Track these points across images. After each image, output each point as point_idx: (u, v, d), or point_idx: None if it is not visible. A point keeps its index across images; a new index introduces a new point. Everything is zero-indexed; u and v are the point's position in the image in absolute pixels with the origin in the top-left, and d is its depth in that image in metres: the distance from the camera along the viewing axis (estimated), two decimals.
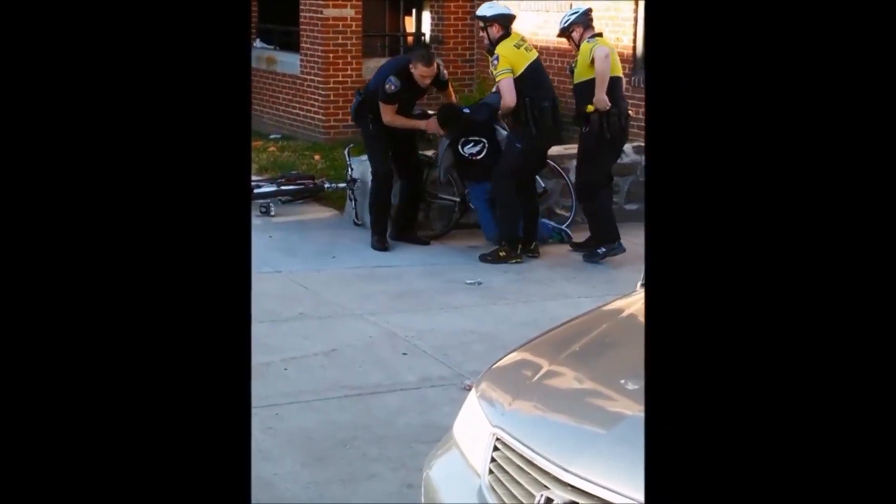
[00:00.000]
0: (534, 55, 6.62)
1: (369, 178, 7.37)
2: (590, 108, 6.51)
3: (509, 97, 6.38)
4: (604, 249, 6.66)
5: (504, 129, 6.75)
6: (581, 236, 7.03)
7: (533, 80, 6.47)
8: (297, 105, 11.18)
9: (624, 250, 6.58)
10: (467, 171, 6.90)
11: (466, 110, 6.98)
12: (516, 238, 6.64)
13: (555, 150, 7.02)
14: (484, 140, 6.75)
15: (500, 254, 6.61)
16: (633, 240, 7.09)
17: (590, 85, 6.47)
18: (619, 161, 7.86)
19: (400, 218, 7.06)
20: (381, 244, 6.88)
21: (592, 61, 6.43)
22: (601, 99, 6.41)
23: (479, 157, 6.77)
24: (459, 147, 6.79)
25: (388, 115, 6.80)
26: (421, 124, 6.89)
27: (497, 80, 6.46)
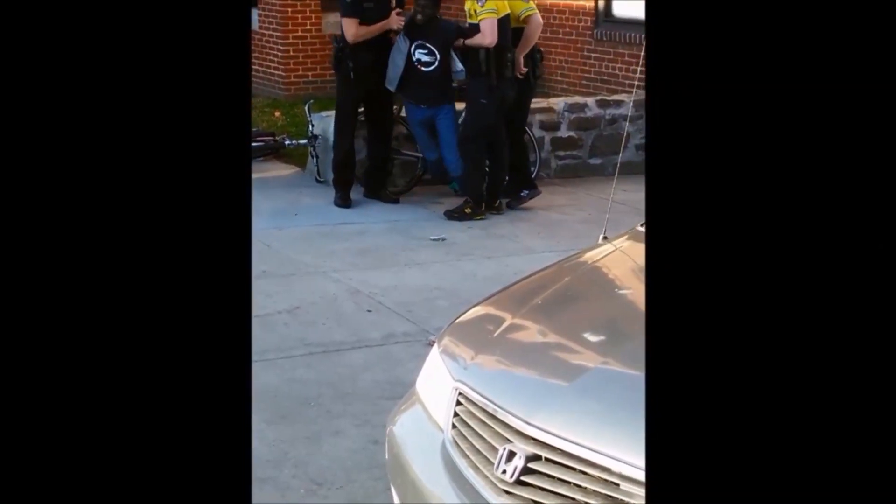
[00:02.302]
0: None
1: (331, 134, 7.29)
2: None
3: (491, 37, 6.31)
4: (526, 192, 6.93)
5: (459, 60, 6.60)
6: (549, 197, 7.05)
7: (503, 31, 6.41)
8: (256, 61, 11.03)
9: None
10: (411, 86, 6.61)
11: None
12: (482, 196, 6.63)
13: None
14: (438, 55, 6.53)
15: (466, 210, 6.59)
16: (599, 194, 7.11)
17: (519, 32, 6.60)
18: (582, 115, 7.90)
19: (371, 176, 6.99)
20: (343, 201, 6.82)
21: (522, 19, 6.61)
22: (520, 63, 6.59)
23: (426, 70, 6.54)
24: (412, 50, 6.54)
25: (352, 28, 6.57)
26: (385, 22, 6.54)
27: (479, 18, 6.34)
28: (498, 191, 6.74)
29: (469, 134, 6.60)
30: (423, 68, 6.55)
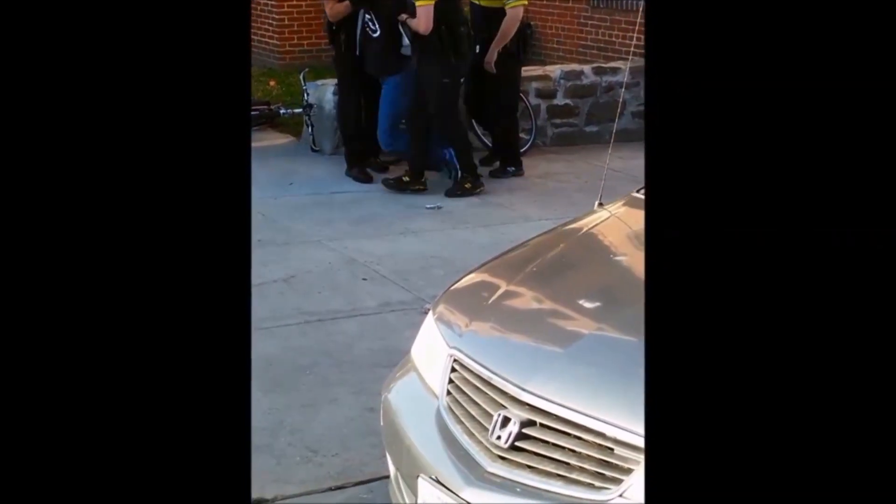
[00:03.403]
0: None
1: (325, 103, 7.25)
2: None
3: (424, 24, 6.12)
4: (512, 169, 6.90)
5: (407, 36, 6.43)
6: (532, 163, 7.06)
7: (451, 6, 6.26)
8: (252, 30, 10.96)
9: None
10: (366, 53, 6.55)
11: None
12: (476, 168, 6.58)
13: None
14: (377, 26, 6.43)
15: (466, 185, 6.49)
16: (595, 162, 7.09)
17: (498, 13, 6.53)
18: (578, 82, 7.86)
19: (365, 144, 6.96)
20: (362, 175, 6.69)
21: (508, 7, 6.53)
22: (491, 58, 6.54)
23: (373, 36, 6.47)
24: (362, 13, 6.51)
25: (328, 7, 6.62)
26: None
27: (417, 3, 6.14)
28: (470, 167, 6.62)
29: (441, 115, 6.41)
30: (371, 33, 6.50)
